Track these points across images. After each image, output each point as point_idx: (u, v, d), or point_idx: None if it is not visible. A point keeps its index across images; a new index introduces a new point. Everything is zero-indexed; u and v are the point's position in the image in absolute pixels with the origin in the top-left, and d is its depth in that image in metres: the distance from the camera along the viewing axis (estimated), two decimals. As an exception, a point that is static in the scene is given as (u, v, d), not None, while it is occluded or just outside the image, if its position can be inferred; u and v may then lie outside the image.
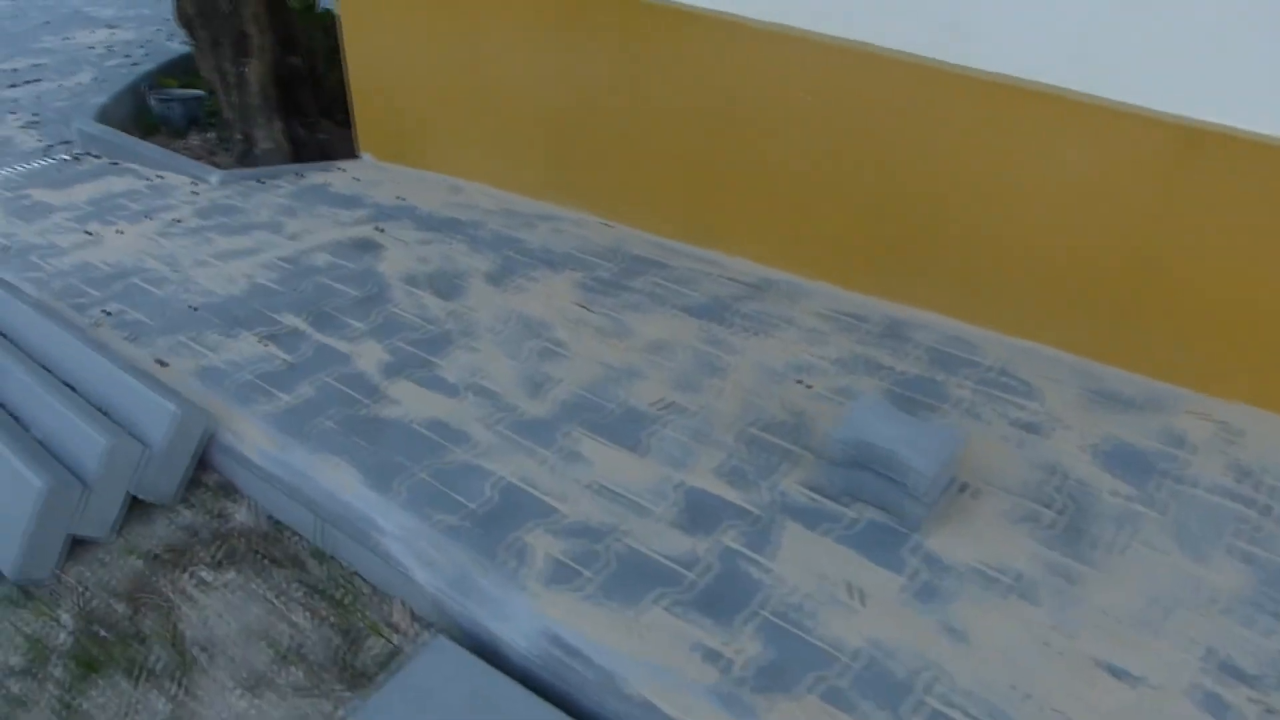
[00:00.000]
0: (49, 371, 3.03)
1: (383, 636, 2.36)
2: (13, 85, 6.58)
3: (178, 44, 7.27)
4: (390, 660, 2.29)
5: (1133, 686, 2.04)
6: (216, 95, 5.49)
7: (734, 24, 3.54)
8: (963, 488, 2.62)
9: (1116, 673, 2.07)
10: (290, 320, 3.45)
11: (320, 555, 2.61)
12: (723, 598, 2.25)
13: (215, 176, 4.85)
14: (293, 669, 2.28)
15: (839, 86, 3.40)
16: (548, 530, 2.45)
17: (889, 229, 3.51)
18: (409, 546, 2.41)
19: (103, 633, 2.39)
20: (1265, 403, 2.99)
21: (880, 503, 2.53)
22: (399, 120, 4.94)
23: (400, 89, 4.82)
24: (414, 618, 2.40)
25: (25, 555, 2.47)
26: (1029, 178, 3.13)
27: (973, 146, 3.20)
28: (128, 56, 7.25)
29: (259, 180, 4.87)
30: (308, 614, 2.43)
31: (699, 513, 2.53)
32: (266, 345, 3.27)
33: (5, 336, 3.27)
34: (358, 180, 4.88)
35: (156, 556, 2.61)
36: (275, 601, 2.47)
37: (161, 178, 4.92)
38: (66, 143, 5.46)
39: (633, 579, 2.30)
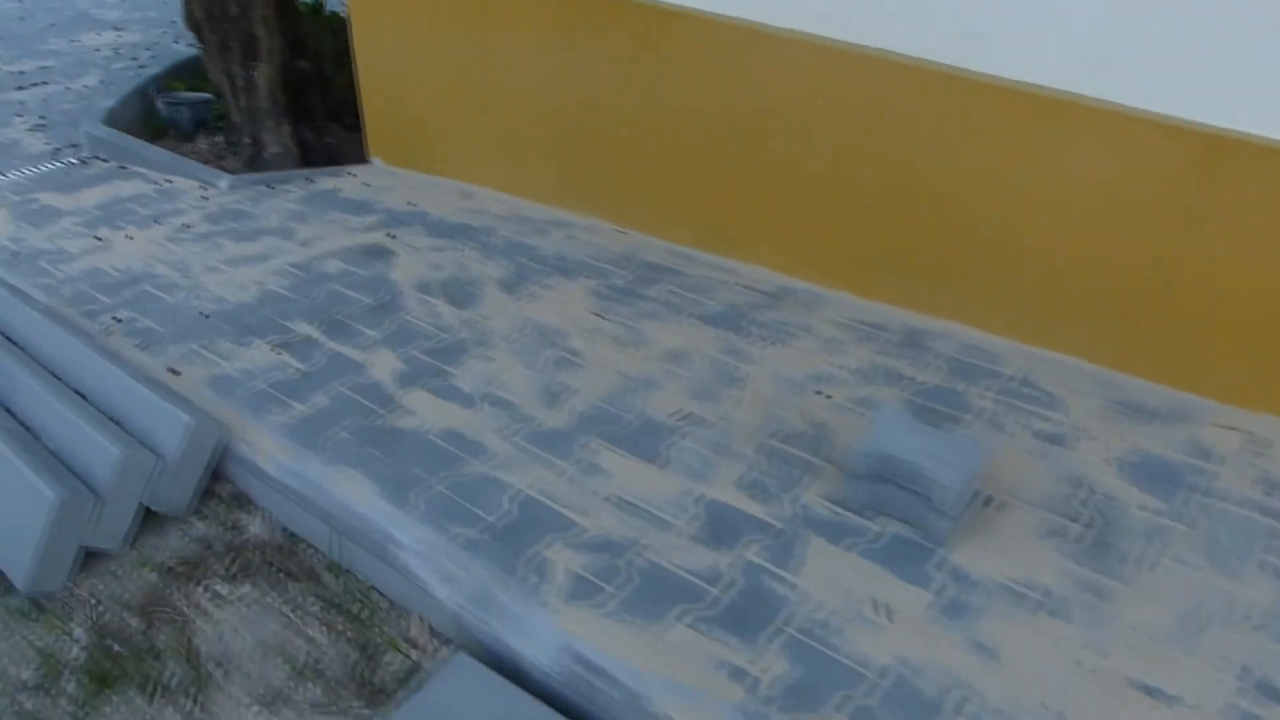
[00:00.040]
0: (60, 380, 3.00)
1: (401, 652, 2.32)
2: (19, 88, 6.55)
3: (184, 46, 7.25)
4: (409, 677, 2.26)
5: (1168, 706, 2.00)
6: (225, 99, 5.46)
7: (751, 30, 3.50)
8: (987, 501, 2.58)
9: (1151, 692, 2.04)
10: (303, 328, 3.41)
11: (336, 568, 2.57)
12: (747, 614, 2.21)
13: (224, 181, 4.82)
14: (310, 685, 2.24)
15: (857, 94, 3.37)
16: (568, 544, 2.41)
17: (907, 237, 3.48)
18: (427, 561, 2.37)
19: (116, 647, 2.35)
20: (1292, 414, 2.95)
21: (904, 516, 2.50)
22: (409, 125, 4.91)
23: (410, 93, 4.79)
24: (432, 633, 2.36)
25: (38, 567, 2.44)
26: (1049, 186, 3.10)
27: (993, 154, 3.17)
28: (134, 59, 7.22)
29: (268, 185, 4.84)
30: (324, 629, 2.40)
31: (720, 526, 2.49)
32: (279, 354, 3.24)
33: (16, 344, 3.23)
34: (368, 185, 4.85)
35: (170, 569, 2.58)
36: (291, 616, 2.43)
37: (170, 182, 4.88)
38: (74, 146, 5.43)
39: (655, 594, 2.26)
